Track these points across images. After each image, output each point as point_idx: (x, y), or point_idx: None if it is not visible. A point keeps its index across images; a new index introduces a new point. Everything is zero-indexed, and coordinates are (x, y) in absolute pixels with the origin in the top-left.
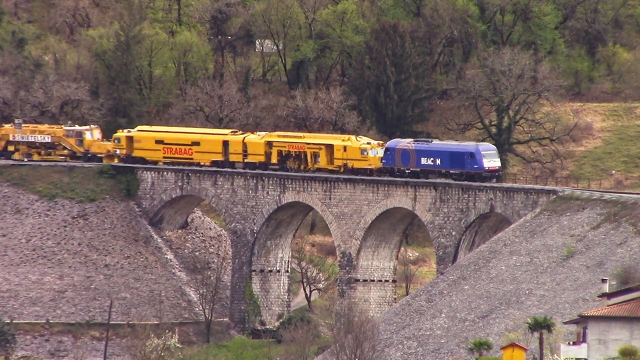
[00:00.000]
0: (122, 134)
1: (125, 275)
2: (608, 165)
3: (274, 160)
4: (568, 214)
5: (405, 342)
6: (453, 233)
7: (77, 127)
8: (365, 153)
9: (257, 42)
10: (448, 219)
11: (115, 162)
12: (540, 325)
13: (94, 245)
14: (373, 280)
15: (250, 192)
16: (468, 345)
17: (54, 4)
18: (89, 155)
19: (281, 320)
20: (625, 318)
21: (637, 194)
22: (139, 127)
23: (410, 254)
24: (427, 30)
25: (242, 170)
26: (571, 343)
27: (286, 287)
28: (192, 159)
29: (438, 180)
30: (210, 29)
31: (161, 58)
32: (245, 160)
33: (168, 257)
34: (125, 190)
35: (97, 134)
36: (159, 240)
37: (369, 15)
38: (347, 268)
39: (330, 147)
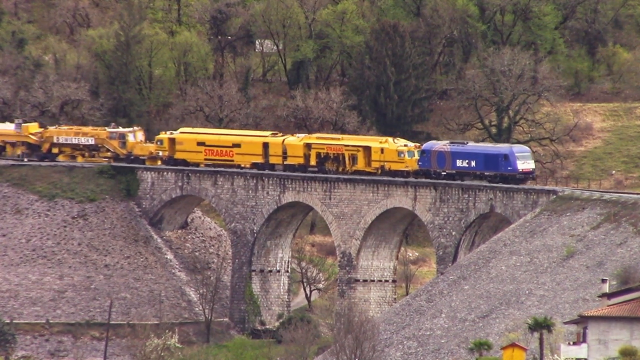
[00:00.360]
0: (164, 135)
1: (125, 275)
2: (608, 165)
3: (313, 162)
4: (568, 214)
5: (405, 342)
6: (453, 233)
7: (120, 129)
8: (402, 155)
9: (257, 42)
10: (448, 219)
11: (159, 164)
12: (540, 325)
13: (93, 245)
14: (373, 280)
15: (250, 192)
16: (468, 345)
17: (54, 4)
18: (132, 157)
19: (281, 320)
20: (625, 318)
21: (637, 194)
22: (181, 129)
23: (410, 254)
24: (427, 30)
25: (242, 170)
26: (571, 343)
27: (286, 287)
28: (232, 160)
29: (438, 181)
30: (210, 29)
31: (161, 58)
32: (285, 163)
33: (168, 257)
34: (125, 191)
35: (140, 135)
36: (159, 240)
37: (369, 15)
38: (347, 268)
39: (367, 149)
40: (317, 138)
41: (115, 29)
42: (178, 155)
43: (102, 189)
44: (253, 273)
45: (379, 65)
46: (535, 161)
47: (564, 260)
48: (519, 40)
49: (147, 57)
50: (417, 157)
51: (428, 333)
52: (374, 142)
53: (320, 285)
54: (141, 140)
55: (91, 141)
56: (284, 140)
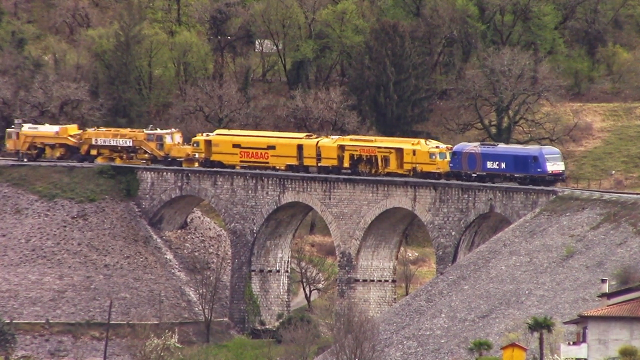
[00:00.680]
0: (200, 137)
1: (125, 275)
2: (608, 165)
3: (346, 164)
4: (568, 214)
5: (405, 342)
6: (453, 233)
7: (158, 131)
8: (434, 157)
9: (256, 42)
10: (448, 219)
11: (196, 166)
12: (540, 325)
13: (93, 246)
14: (373, 280)
15: (249, 192)
16: (468, 345)
17: (53, 4)
18: (169, 159)
19: (281, 320)
20: (625, 318)
21: (637, 194)
22: (218, 131)
23: (410, 254)
24: (426, 30)
25: (241, 170)
26: (571, 343)
27: (286, 287)
28: (267, 163)
29: (438, 181)
30: (210, 29)
31: (161, 58)
32: (319, 164)
33: (168, 257)
34: (125, 191)
35: (178, 137)
36: (159, 240)
37: (369, 15)
38: (346, 268)
39: (399, 151)
40: (351, 140)
41: (115, 29)
42: (214, 157)
43: (102, 189)
44: (253, 273)
45: (379, 65)
46: None
47: (563, 260)
48: (519, 40)
49: (147, 57)
50: (448, 158)
51: (428, 333)
52: (406, 143)
53: (320, 285)
54: (178, 142)
55: (129, 143)
56: (318, 142)
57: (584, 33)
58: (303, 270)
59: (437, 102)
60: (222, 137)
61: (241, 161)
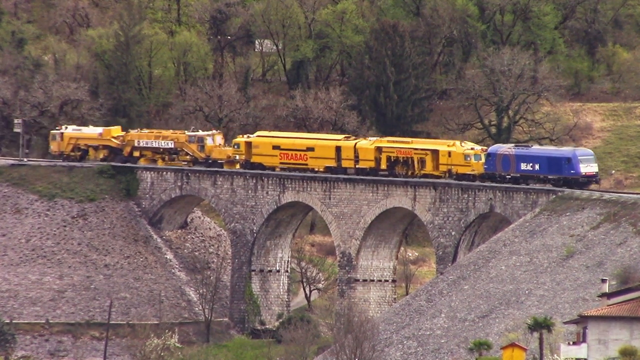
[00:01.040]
0: (241, 139)
1: (125, 275)
2: (608, 165)
3: (384, 166)
4: (568, 214)
5: (405, 342)
6: (453, 233)
7: (199, 133)
8: (469, 158)
9: (256, 42)
10: (448, 218)
11: (237, 167)
12: (540, 325)
13: (93, 245)
14: (373, 280)
15: (249, 192)
16: (468, 345)
17: (53, 4)
18: (210, 161)
19: (281, 320)
20: (625, 318)
21: (637, 194)
22: (258, 133)
23: (410, 254)
24: (426, 30)
25: (241, 170)
26: (571, 343)
27: (286, 287)
28: (306, 164)
29: (438, 180)
30: (210, 29)
31: (161, 58)
32: (357, 166)
33: (168, 257)
34: (125, 190)
35: (219, 139)
36: (159, 240)
37: (369, 15)
38: (346, 268)
39: (435, 153)
40: (388, 141)
41: (115, 29)
42: (255, 159)
43: (102, 188)
44: (253, 273)
45: (379, 65)
46: None
47: (563, 260)
48: (519, 40)
49: (146, 57)
50: (483, 160)
51: (428, 333)
52: (442, 145)
53: (320, 285)
54: (220, 144)
55: (171, 145)
56: (355, 143)
57: (584, 33)
58: (303, 270)
59: (437, 102)
60: (262, 139)
61: (281, 163)
